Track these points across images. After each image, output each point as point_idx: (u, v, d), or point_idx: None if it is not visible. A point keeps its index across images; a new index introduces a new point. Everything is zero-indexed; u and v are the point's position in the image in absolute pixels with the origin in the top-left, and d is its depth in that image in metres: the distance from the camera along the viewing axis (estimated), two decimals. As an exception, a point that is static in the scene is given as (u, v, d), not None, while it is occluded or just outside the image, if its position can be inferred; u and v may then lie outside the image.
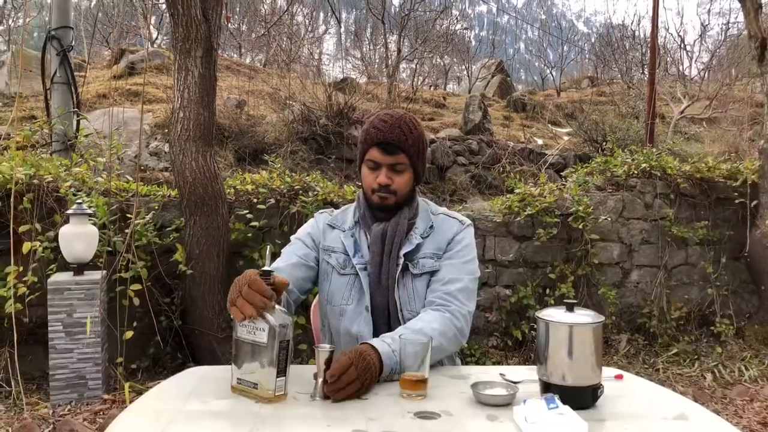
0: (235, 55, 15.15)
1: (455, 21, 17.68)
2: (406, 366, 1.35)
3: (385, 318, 1.70)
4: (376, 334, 1.65)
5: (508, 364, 4.12)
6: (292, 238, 1.85)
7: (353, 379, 1.31)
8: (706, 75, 13.97)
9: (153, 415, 1.20)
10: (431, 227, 1.76)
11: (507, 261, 4.52)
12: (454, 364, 1.77)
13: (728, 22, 14.47)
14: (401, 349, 1.37)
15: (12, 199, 3.31)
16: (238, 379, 1.31)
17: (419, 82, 13.30)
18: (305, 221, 3.91)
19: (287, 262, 1.74)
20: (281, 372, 1.27)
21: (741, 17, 6.85)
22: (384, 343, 1.44)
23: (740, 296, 5.02)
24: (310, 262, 1.77)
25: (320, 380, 1.32)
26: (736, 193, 4.94)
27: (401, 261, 1.69)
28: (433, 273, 1.71)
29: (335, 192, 4.29)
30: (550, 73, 20.45)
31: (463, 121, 9.52)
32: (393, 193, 1.71)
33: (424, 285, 1.70)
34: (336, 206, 4.17)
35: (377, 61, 15.46)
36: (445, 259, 1.72)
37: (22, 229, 3.41)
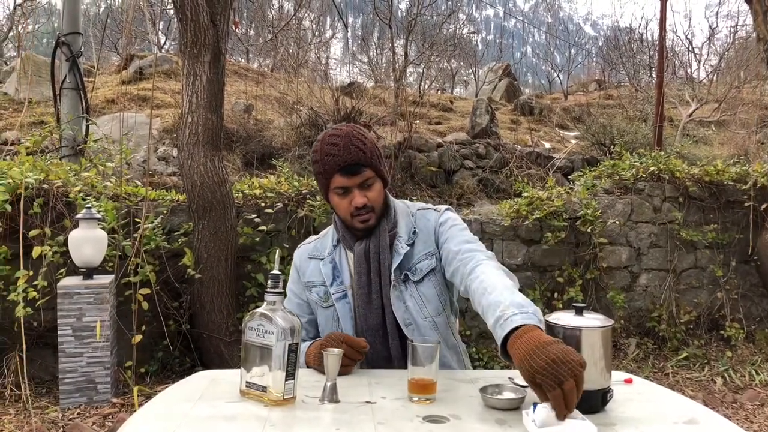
0: (243, 60, 15.23)
1: (462, 25, 17.71)
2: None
3: (381, 337, 1.65)
4: (372, 356, 1.63)
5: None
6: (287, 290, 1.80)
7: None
8: (715, 78, 13.90)
9: (162, 419, 1.21)
10: (414, 232, 1.70)
11: (515, 265, 4.50)
12: (464, 367, 1.77)
13: (736, 25, 14.39)
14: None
15: (22, 204, 3.34)
16: (246, 382, 1.32)
17: (426, 86, 13.30)
18: (313, 225, 3.99)
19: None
20: (290, 375, 1.27)
21: (749, 20, 6.82)
22: (522, 316, 1.25)
23: (750, 300, 4.98)
24: (307, 313, 1.76)
25: (329, 384, 1.32)
26: (745, 196, 4.91)
27: (392, 277, 1.64)
28: (433, 270, 1.66)
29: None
30: (558, 76, 20.43)
31: (470, 124, 9.51)
32: (371, 210, 1.64)
33: (430, 286, 1.67)
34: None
35: (384, 65, 15.46)
36: (443, 243, 1.65)
37: (32, 233, 3.43)
